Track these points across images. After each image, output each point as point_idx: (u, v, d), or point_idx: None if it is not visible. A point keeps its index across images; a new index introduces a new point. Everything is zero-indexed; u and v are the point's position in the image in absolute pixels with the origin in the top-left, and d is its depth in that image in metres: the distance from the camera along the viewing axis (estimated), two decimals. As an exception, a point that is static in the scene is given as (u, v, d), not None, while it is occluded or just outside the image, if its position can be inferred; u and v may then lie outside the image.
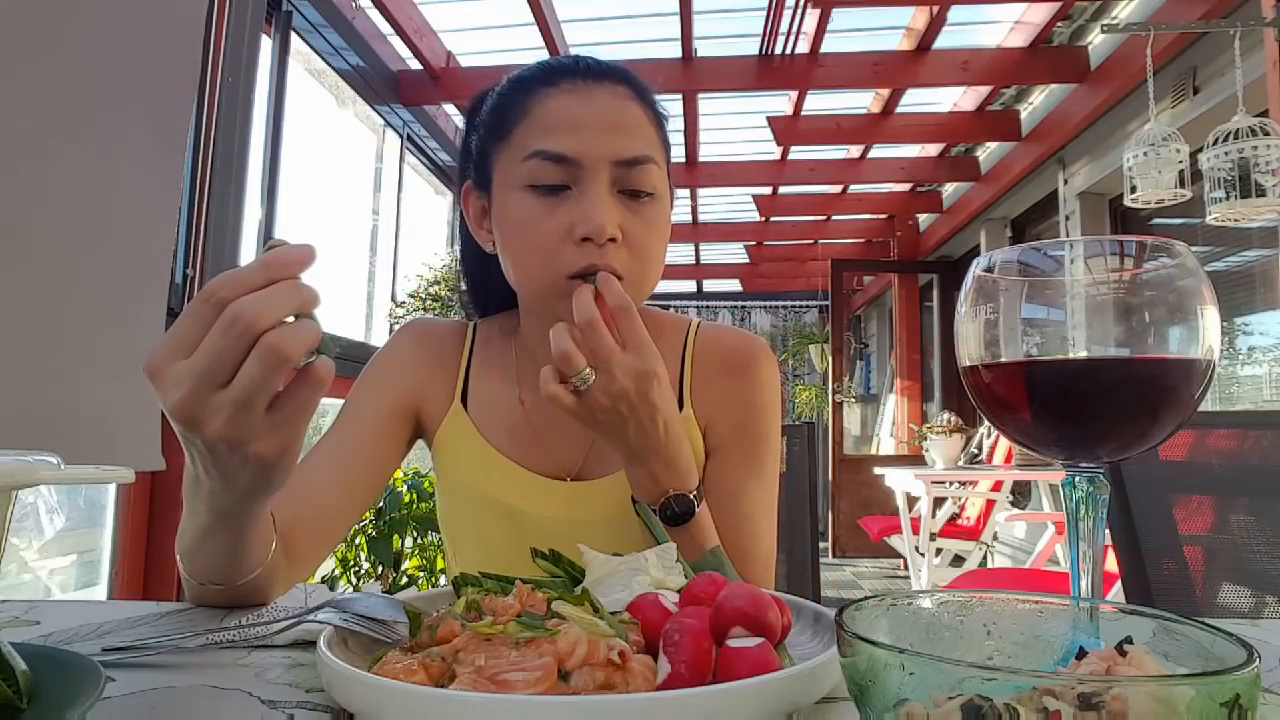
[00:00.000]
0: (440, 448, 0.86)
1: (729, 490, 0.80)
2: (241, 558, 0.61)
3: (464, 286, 0.95)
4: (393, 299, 3.91)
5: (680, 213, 6.37)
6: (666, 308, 0.95)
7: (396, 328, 0.93)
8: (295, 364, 0.44)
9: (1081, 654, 0.33)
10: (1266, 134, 2.23)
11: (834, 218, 6.48)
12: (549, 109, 0.74)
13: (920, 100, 4.55)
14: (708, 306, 9.27)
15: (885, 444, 7.33)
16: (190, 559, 0.62)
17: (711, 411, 0.83)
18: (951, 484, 4.38)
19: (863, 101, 4.54)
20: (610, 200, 0.72)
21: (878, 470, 4.80)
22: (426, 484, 2.79)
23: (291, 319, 0.44)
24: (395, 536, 2.66)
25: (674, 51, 3.73)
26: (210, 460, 0.48)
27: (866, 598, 0.36)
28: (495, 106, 0.80)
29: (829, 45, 3.72)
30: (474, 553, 0.85)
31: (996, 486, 4.35)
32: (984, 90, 4.21)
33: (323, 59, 3.25)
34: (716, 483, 0.81)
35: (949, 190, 5.77)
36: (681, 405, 0.83)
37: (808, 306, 9.08)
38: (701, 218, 6.66)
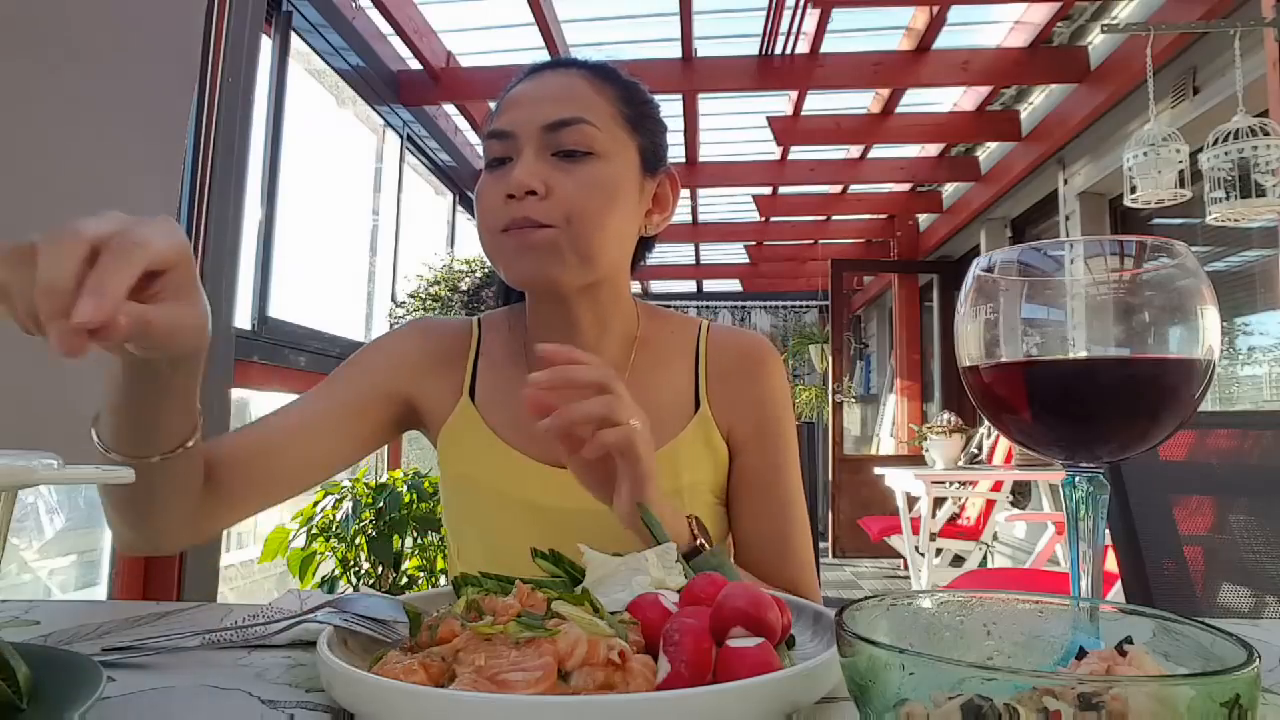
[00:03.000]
0: (446, 441, 0.87)
1: (764, 486, 0.85)
2: (152, 431, 0.63)
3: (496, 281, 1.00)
4: (393, 299, 3.91)
5: (680, 213, 6.36)
6: (667, 308, 0.96)
7: (402, 323, 0.94)
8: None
9: (1081, 654, 0.33)
10: (1266, 134, 2.23)
11: (834, 218, 6.48)
12: (504, 98, 0.82)
13: (920, 100, 4.55)
14: (708, 306, 9.27)
15: (885, 444, 7.33)
16: (102, 423, 0.63)
17: (732, 415, 0.86)
18: (951, 484, 4.38)
19: (863, 101, 4.54)
20: (536, 160, 0.76)
21: (878, 470, 4.80)
22: (426, 484, 2.79)
23: None
24: (395, 536, 2.66)
25: (674, 51, 3.73)
26: None
27: (866, 598, 0.36)
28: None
29: (829, 45, 3.72)
30: (481, 546, 0.86)
31: (996, 486, 4.35)
32: (984, 90, 4.21)
33: (323, 59, 3.25)
34: (752, 480, 0.85)
35: (949, 190, 5.77)
36: (698, 405, 0.86)
37: (808, 306, 9.08)
38: (701, 218, 6.66)
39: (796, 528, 0.85)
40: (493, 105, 0.87)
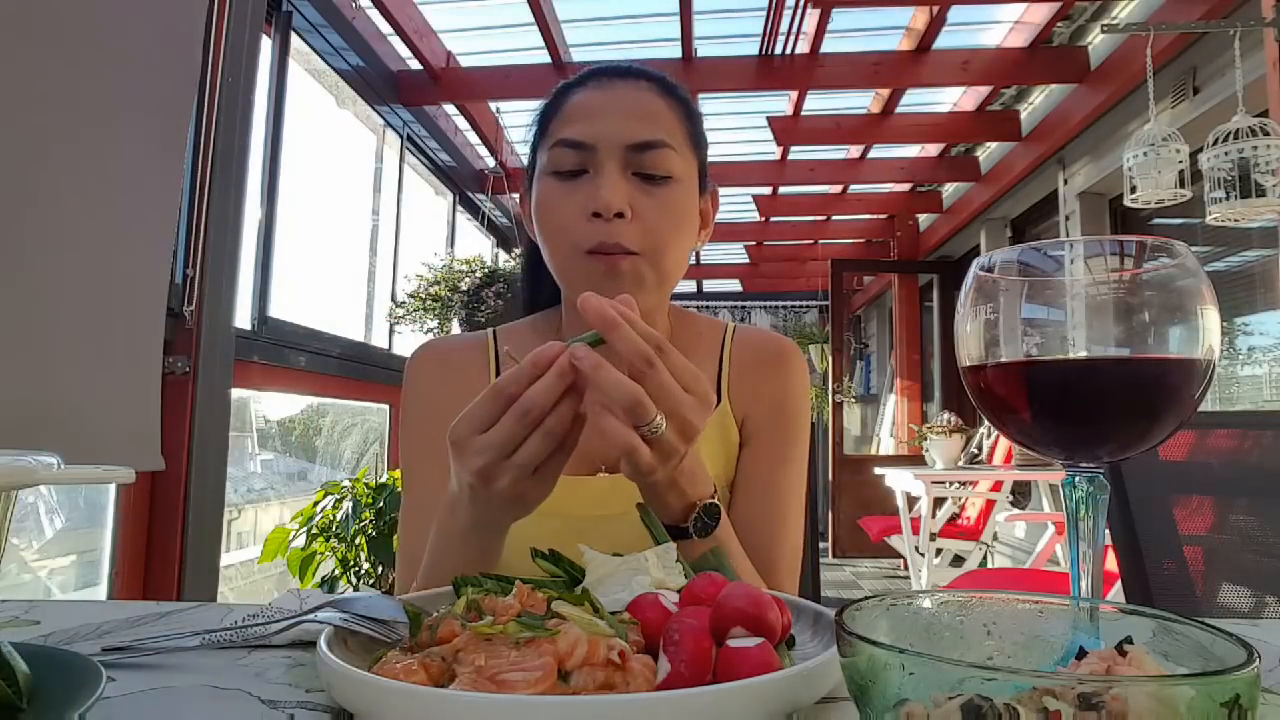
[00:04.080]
0: None
1: (762, 476, 0.85)
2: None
3: (523, 279, 1.00)
4: (393, 299, 3.91)
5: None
6: (694, 310, 0.97)
7: (407, 359, 0.93)
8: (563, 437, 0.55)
9: (1081, 654, 0.33)
10: (1266, 134, 2.23)
11: (834, 218, 6.48)
12: (573, 103, 0.81)
13: (920, 100, 4.55)
14: (708, 306, 9.27)
15: (885, 444, 7.33)
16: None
17: (748, 405, 0.87)
18: (951, 484, 4.38)
19: (863, 101, 4.54)
20: (621, 180, 0.76)
21: (878, 470, 4.80)
22: (426, 484, 2.79)
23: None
24: (395, 536, 2.66)
25: (674, 51, 3.73)
26: (489, 505, 0.60)
27: (866, 598, 0.36)
28: (540, 110, 0.86)
29: (829, 45, 3.72)
30: (506, 556, 0.85)
31: (996, 486, 4.35)
32: (984, 90, 4.21)
33: (323, 59, 3.25)
34: (751, 469, 0.85)
35: (949, 190, 5.77)
36: (719, 399, 0.86)
37: (808, 306, 9.08)
38: (701, 218, 6.64)
39: (788, 528, 0.84)
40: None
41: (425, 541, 0.75)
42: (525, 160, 0.89)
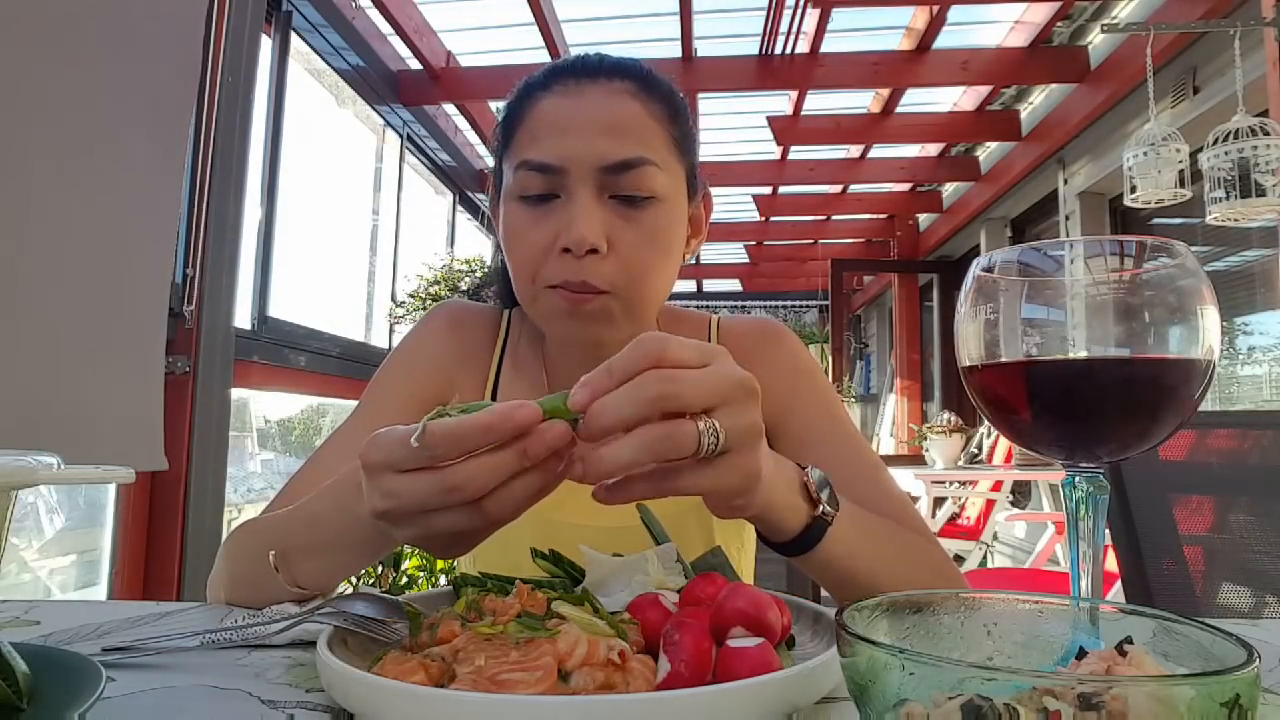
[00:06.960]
0: None
1: (823, 438, 0.78)
2: (344, 573, 0.62)
3: (497, 283, 0.93)
4: (393, 299, 3.91)
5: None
6: (683, 308, 0.94)
7: (427, 312, 0.89)
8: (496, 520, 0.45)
9: (1081, 654, 0.33)
10: (1266, 134, 2.23)
11: (834, 218, 6.48)
12: (539, 114, 0.72)
13: (920, 100, 4.55)
14: (708, 306, 9.25)
15: (885, 444, 7.33)
16: (295, 564, 0.60)
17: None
18: (951, 484, 4.38)
19: (863, 101, 4.54)
20: (595, 208, 0.68)
21: (878, 470, 4.79)
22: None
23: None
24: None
25: (674, 51, 3.73)
26: (388, 534, 0.48)
27: (867, 598, 0.36)
28: (504, 114, 0.78)
29: (829, 45, 3.72)
30: (499, 558, 0.80)
31: (996, 486, 4.35)
32: (984, 90, 4.21)
33: (323, 59, 3.25)
34: (810, 438, 0.78)
35: (949, 190, 5.77)
36: None
37: (808, 306, 9.09)
38: (701, 218, 6.65)
39: (883, 474, 0.76)
40: (494, 106, 0.84)
41: (318, 472, 0.69)
42: None
